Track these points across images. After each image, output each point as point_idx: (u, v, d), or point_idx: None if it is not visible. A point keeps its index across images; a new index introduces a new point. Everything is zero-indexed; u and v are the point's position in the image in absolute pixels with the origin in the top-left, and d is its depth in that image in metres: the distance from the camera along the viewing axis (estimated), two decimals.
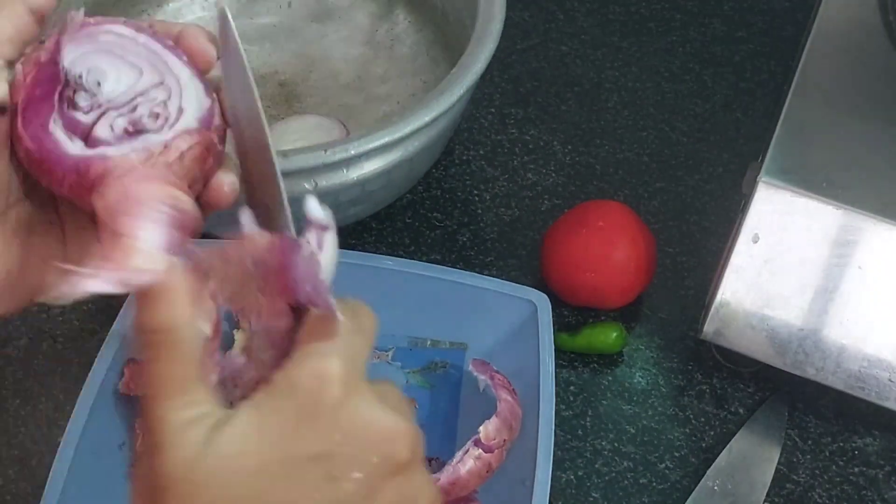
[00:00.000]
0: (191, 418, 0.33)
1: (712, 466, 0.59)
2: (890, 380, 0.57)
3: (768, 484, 0.59)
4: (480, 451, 0.54)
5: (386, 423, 0.34)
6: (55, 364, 0.64)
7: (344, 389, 0.33)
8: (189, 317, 0.34)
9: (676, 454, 0.61)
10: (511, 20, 0.85)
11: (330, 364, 0.33)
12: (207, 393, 0.34)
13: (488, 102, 0.80)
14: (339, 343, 0.34)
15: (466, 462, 0.53)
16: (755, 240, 0.57)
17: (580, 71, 0.83)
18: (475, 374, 0.59)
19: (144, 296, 0.33)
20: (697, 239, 0.71)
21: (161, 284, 0.33)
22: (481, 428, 0.54)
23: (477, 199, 0.74)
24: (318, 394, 0.33)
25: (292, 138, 0.72)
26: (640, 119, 0.79)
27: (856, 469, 0.60)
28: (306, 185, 0.61)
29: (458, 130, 0.77)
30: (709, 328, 0.60)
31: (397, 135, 0.60)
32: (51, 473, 0.52)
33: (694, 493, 0.58)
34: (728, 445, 0.60)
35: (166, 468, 0.32)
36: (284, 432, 0.33)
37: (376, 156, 0.61)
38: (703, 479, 0.59)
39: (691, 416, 0.62)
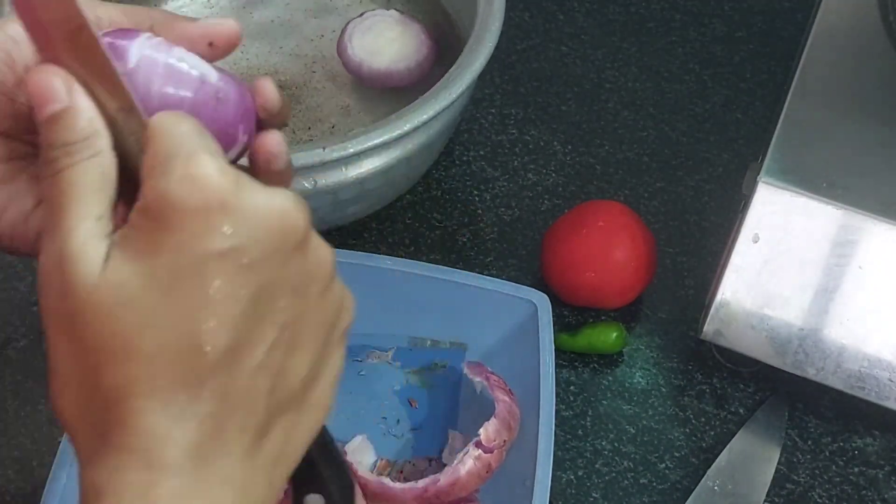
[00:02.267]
0: (93, 232, 0.33)
1: (712, 466, 0.59)
2: (890, 380, 0.57)
3: (768, 484, 0.59)
4: (480, 451, 0.54)
5: (276, 201, 0.33)
6: None
7: (227, 182, 0.32)
8: (98, 124, 0.34)
9: (676, 454, 0.61)
10: (511, 20, 0.85)
11: (200, 164, 0.32)
12: (110, 209, 0.33)
13: (488, 102, 0.80)
14: (187, 141, 0.33)
15: (466, 462, 0.53)
16: (755, 240, 0.57)
17: (580, 71, 0.83)
18: (470, 376, 0.59)
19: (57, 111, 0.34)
20: (697, 239, 0.71)
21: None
22: (481, 430, 0.54)
23: (477, 199, 0.74)
24: (199, 195, 0.32)
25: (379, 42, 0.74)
26: (640, 119, 0.79)
27: (856, 469, 0.60)
28: (305, 184, 0.61)
29: (459, 131, 0.77)
30: (709, 328, 0.60)
31: (396, 133, 0.60)
32: (51, 473, 0.52)
33: (694, 493, 0.58)
34: (728, 445, 0.60)
35: (72, 289, 0.32)
36: (181, 241, 0.32)
37: (375, 154, 0.61)
38: (703, 479, 0.59)
39: (691, 416, 0.62)
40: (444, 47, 0.77)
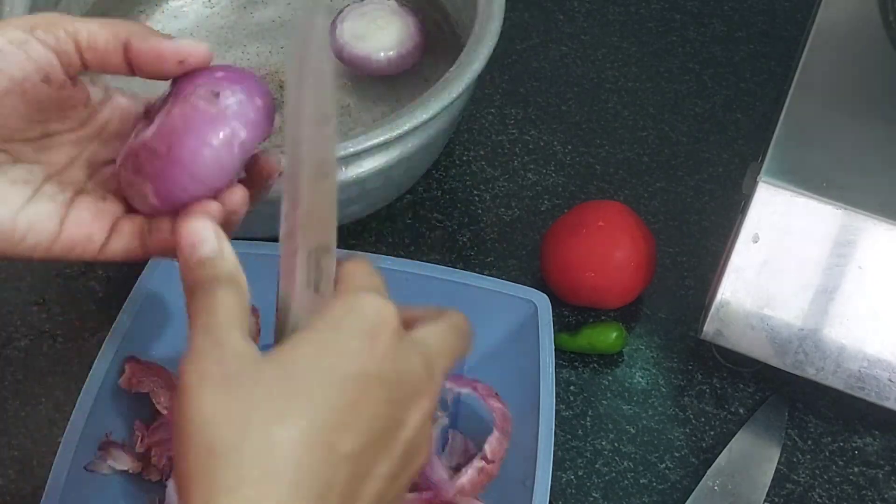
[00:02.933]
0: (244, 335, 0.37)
1: (712, 466, 0.59)
2: (890, 380, 0.57)
3: (768, 484, 0.59)
4: (483, 462, 0.54)
5: (424, 371, 0.38)
6: (55, 364, 0.64)
7: (392, 322, 0.37)
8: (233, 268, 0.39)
9: (676, 454, 0.61)
10: (511, 20, 0.85)
11: (373, 297, 0.38)
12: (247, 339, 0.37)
13: (488, 102, 0.80)
14: (368, 279, 0.39)
15: (470, 475, 0.54)
16: (755, 240, 0.57)
17: (580, 71, 0.83)
18: (456, 389, 0.58)
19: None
20: (697, 239, 0.71)
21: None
22: (486, 446, 0.55)
23: (477, 199, 0.74)
24: (368, 321, 0.37)
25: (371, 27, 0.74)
26: (640, 119, 0.79)
27: (856, 469, 0.60)
28: None
29: (459, 131, 0.77)
30: (709, 328, 0.60)
31: (396, 133, 0.60)
32: (51, 473, 0.52)
33: (694, 493, 0.58)
34: (728, 445, 0.60)
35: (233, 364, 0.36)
36: (353, 350, 0.36)
37: (375, 154, 0.61)
38: (703, 479, 0.59)
39: (691, 416, 0.62)
40: (444, 46, 0.77)
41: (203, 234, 0.40)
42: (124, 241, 0.44)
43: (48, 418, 0.61)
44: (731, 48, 0.85)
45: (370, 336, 0.37)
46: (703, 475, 0.59)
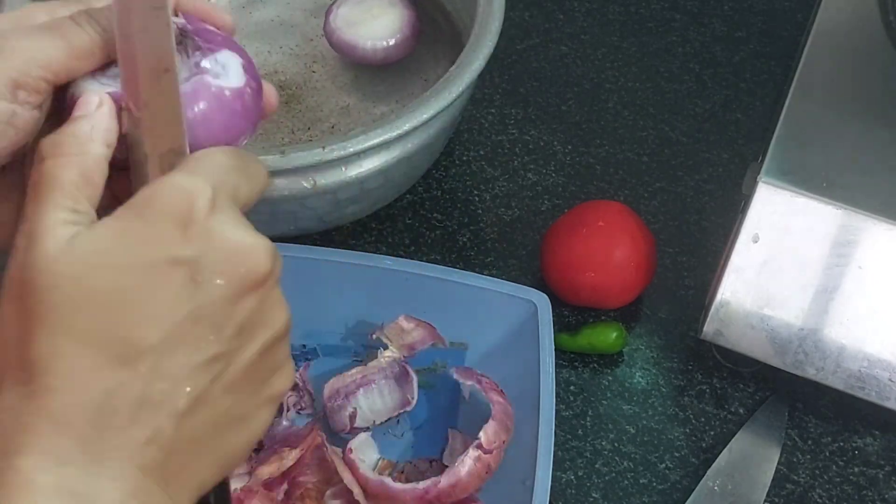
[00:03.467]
0: (65, 219, 0.34)
1: (712, 466, 0.59)
2: (890, 379, 0.57)
3: (768, 484, 0.59)
4: (480, 452, 0.54)
5: (249, 239, 0.35)
6: None
7: (210, 207, 0.34)
8: (97, 134, 0.36)
9: (676, 454, 0.61)
10: (511, 20, 0.85)
11: (195, 182, 0.34)
12: (88, 206, 0.35)
13: (488, 102, 0.80)
14: (209, 168, 0.35)
15: (466, 464, 0.54)
16: (755, 240, 0.57)
17: (580, 71, 0.83)
18: (460, 381, 0.59)
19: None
20: (697, 239, 0.71)
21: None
22: (481, 433, 0.54)
23: (477, 199, 0.74)
24: (183, 206, 0.34)
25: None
26: (639, 119, 0.79)
27: (856, 469, 0.60)
28: (304, 184, 0.61)
29: (459, 131, 0.77)
30: (709, 328, 0.60)
31: (396, 132, 0.60)
32: None
33: (694, 493, 0.58)
34: (728, 445, 0.60)
35: (31, 260, 0.33)
36: (147, 236, 0.33)
37: (375, 154, 0.61)
38: (703, 480, 0.59)
39: (691, 416, 0.62)
40: (444, 46, 0.77)
41: (88, 99, 0.37)
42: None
43: None
44: (731, 48, 0.85)
45: (174, 216, 0.34)
46: (703, 475, 0.59)
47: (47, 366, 0.32)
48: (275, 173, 0.59)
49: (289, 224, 0.64)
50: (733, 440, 0.61)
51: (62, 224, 0.34)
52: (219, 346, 0.34)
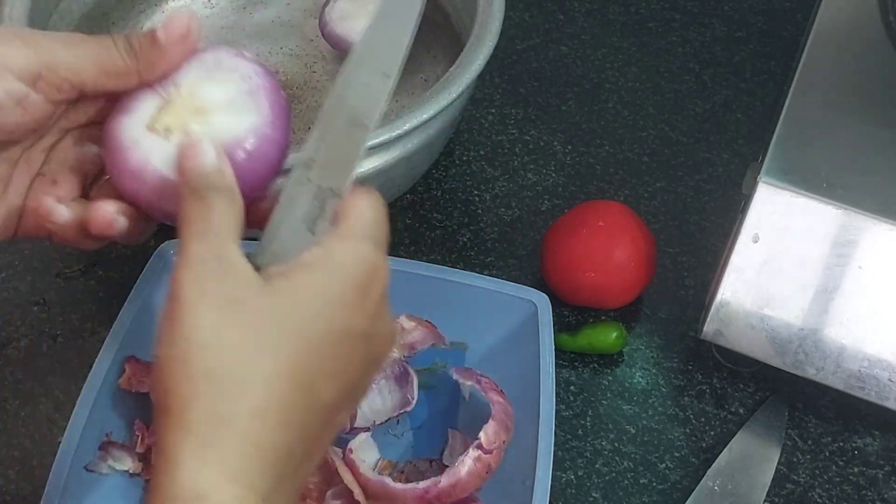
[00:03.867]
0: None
1: (712, 466, 0.59)
2: (890, 379, 0.57)
3: (768, 484, 0.59)
4: (480, 452, 0.54)
5: (392, 327, 0.40)
6: (55, 364, 0.64)
7: (384, 281, 0.38)
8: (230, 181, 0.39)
9: (676, 454, 0.61)
10: (511, 20, 0.85)
11: (379, 258, 0.38)
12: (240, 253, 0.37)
13: (488, 102, 0.80)
14: (377, 233, 0.39)
15: (466, 463, 0.54)
16: (755, 240, 0.57)
17: (580, 71, 0.83)
18: (460, 381, 0.59)
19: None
20: (697, 239, 0.71)
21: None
22: (481, 434, 0.54)
23: (477, 199, 0.74)
24: (368, 280, 0.37)
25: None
26: (640, 119, 0.79)
27: (856, 469, 0.60)
28: None
29: (459, 131, 0.77)
30: (709, 328, 0.60)
31: (396, 132, 0.60)
32: (51, 473, 0.52)
33: (694, 493, 0.58)
34: (728, 445, 0.60)
35: (237, 278, 0.36)
36: (342, 302, 0.37)
37: (375, 154, 0.61)
38: (703, 479, 0.59)
39: (691, 416, 0.62)
40: (444, 46, 0.77)
41: (206, 148, 0.39)
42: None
43: (48, 418, 0.61)
44: (731, 48, 0.85)
45: (364, 291, 0.37)
46: (703, 475, 0.59)
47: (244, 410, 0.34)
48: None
49: None
50: (733, 440, 0.61)
51: (243, 257, 0.37)
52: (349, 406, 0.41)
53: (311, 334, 0.36)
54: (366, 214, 0.39)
